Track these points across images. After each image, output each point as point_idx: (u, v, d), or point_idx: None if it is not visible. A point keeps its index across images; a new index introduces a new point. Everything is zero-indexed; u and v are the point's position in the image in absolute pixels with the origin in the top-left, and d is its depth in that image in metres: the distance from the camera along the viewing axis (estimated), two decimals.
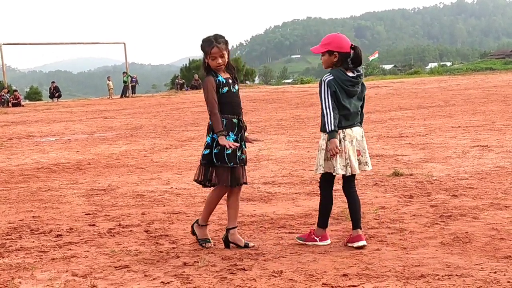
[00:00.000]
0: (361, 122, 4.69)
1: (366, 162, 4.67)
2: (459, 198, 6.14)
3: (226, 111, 4.66)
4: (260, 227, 5.39)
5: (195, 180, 4.80)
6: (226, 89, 4.67)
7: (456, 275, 3.81)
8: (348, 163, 4.52)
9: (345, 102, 4.50)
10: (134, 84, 40.67)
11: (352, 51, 4.49)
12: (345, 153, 4.51)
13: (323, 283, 3.77)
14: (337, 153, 4.44)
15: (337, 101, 4.47)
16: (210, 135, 4.67)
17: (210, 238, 4.85)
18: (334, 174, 4.56)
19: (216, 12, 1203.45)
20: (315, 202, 6.23)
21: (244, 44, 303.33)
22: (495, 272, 3.84)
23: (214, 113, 4.58)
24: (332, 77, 4.48)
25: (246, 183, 4.84)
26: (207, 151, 4.65)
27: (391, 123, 14.54)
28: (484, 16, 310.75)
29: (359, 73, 4.55)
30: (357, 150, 4.59)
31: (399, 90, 29.99)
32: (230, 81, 4.73)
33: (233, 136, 4.66)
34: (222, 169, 4.62)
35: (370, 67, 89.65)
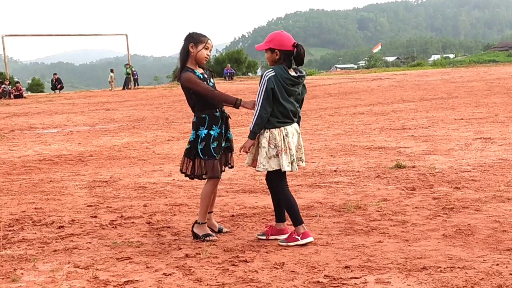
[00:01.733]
0: (298, 123, 4.66)
1: (301, 158, 4.65)
2: (461, 191, 6.12)
3: (207, 106, 4.68)
4: (262, 219, 5.38)
5: (180, 170, 4.85)
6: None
7: (458, 267, 3.81)
8: (293, 159, 4.51)
9: (283, 100, 4.45)
10: (136, 77, 40.64)
11: (295, 49, 4.47)
12: (290, 149, 4.49)
13: (325, 275, 3.77)
14: (246, 152, 4.49)
15: (275, 98, 4.42)
16: (193, 132, 4.73)
17: (211, 232, 4.83)
18: (282, 170, 4.50)
19: (218, 4, 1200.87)
20: (317, 194, 6.24)
21: (247, 36, 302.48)
22: (498, 264, 3.83)
23: (215, 93, 4.63)
24: (273, 74, 4.42)
25: (232, 167, 5.00)
26: (188, 146, 4.76)
27: (393, 115, 14.51)
28: (488, 8, 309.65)
29: (301, 73, 4.53)
30: None
31: (402, 82, 29.93)
32: (206, 75, 4.76)
33: (218, 129, 4.70)
34: (210, 162, 4.68)
35: (373, 59, 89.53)
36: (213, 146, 4.67)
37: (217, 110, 4.71)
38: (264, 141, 4.47)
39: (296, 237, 4.49)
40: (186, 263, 4.13)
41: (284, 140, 4.47)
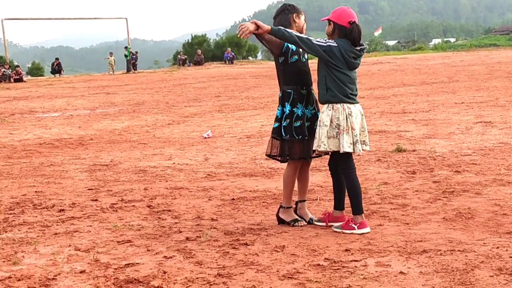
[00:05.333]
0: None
1: (365, 141, 4.40)
2: (462, 174, 6.12)
3: (294, 81, 4.42)
4: (263, 202, 5.39)
5: (267, 155, 4.60)
6: (295, 57, 4.44)
7: (459, 250, 3.81)
8: (357, 140, 4.26)
9: (346, 72, 4.27)
10: (134, 61, 40.46)
11: (349, 27, 4.26)
12: (353, 129, 4.25)
13: (325, 258, 3.78)
14: (244, 31, 4.34)
15: (337, 70, 4.22)
16: (280, 107, 4.48)
17: (298, 217, 4.61)
18: (341, 152, 4.26)
19: None
20: (317, 178, 6.24)
21: (247, 19, 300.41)
22: (498, 248, 3.84)
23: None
24: (336, 45, 4.25)
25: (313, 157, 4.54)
26: (276, 125, 4.50)
27: (394, 99, 14.47)
28: None
29: (362, 47, 4.36)
30: None
31: (403, 66, 29.82)
32: (300, 50, 4.47)
33: (302, 108, 4.43)
34: (292, 143, 4.43)
35: (373, 43, 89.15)
36: (295, 125, 4.40)
37: (304, 87, 4.45)
38: (326, 119, 4.25)
39: (353, 225, 4.31)
40: (186, 246, 4.14)
41: (347, 119, 4.24)
